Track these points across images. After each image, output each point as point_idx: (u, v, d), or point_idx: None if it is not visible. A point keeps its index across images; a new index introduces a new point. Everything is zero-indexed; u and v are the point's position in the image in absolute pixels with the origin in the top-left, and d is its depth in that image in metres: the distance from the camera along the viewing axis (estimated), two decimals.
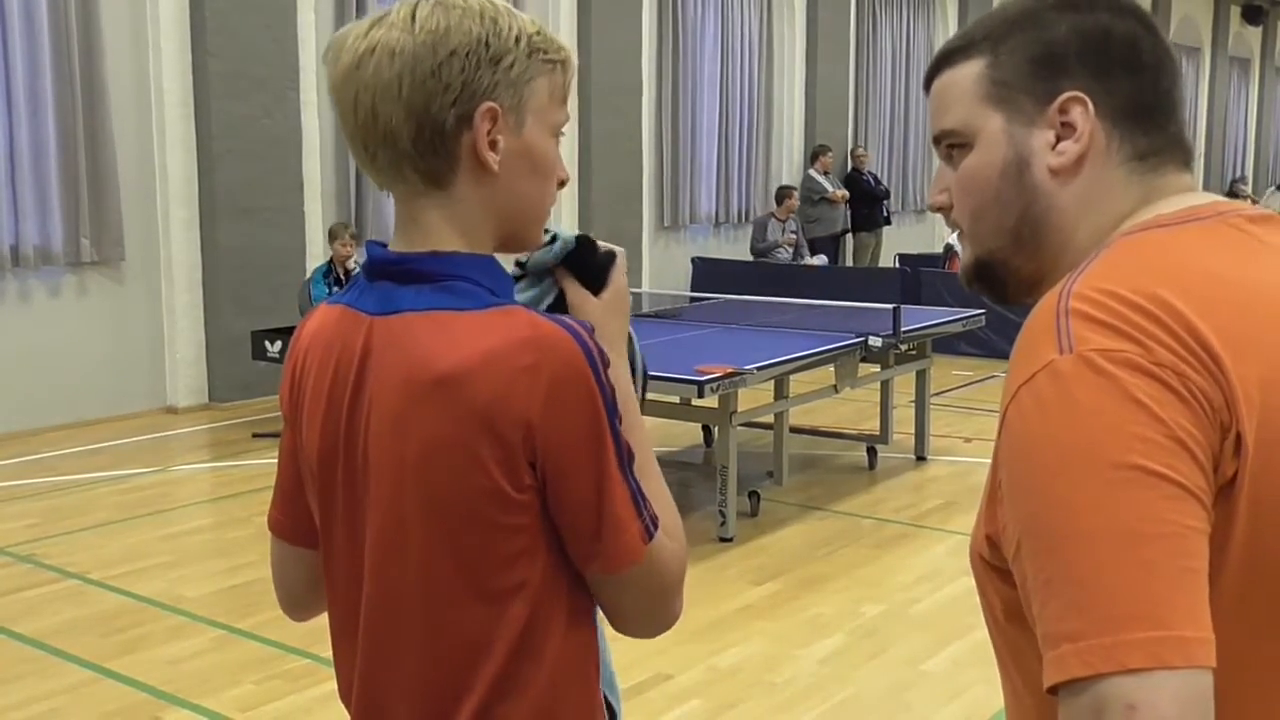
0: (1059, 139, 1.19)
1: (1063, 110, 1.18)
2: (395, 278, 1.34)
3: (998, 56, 1.21)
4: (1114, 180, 1.19)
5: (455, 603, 1.33)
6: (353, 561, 1.40)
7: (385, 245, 1.39)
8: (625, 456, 1.32)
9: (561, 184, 1.41)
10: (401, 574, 1.35)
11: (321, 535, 1.45)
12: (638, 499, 1.33)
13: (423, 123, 1.29)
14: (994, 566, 1.12)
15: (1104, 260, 1.12)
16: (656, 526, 1.35)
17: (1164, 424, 0.99)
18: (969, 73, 1.23)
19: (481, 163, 1.31)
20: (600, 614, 1.44)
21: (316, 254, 9.57)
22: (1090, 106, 1.18)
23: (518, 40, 1.32)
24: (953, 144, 1.26)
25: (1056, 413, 1.02)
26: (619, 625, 1.42)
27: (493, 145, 1.31)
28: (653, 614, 1.42)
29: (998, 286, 1.27)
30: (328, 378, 1.39)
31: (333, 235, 8.59)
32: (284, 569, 1.58)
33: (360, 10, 9.87)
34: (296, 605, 1.61)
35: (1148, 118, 1.20)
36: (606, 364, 1.30)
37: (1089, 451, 1.00)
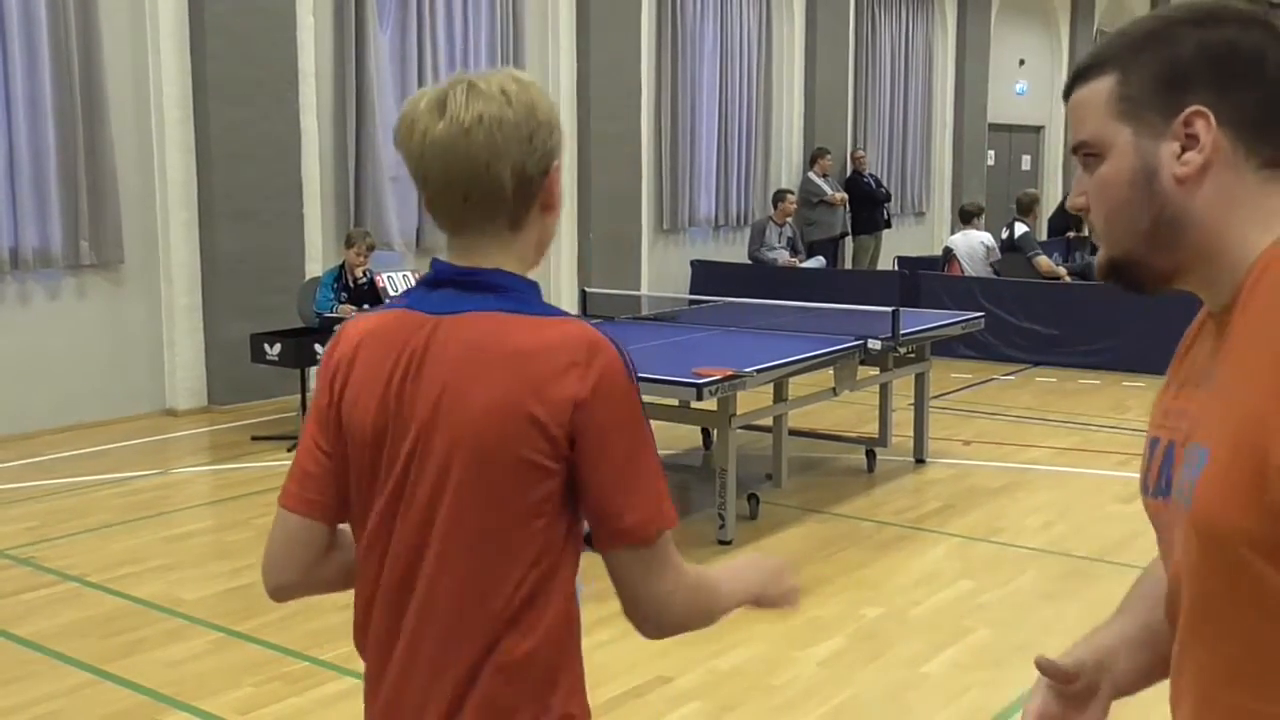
0: (1184, 149, 1.27)
1: (1187, 124, 1.26)
2: (462, 287, 1.63)
3: (1127, 75, 1.30)
4: (1250, 185, 1.27)
5: (494, 552, 1.57)
6: (411, 528, 1.61)
7: (445, 263, 1.67)
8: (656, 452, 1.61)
9: None
10: (448, 528, 1.58)
11: (361, 505, 1.66)
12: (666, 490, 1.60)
13: (521, 178, 1.60)
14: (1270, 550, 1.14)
15: None
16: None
17: None
18: (1101, 89, 1.33)
19: (549, 207, 1.66)
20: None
21: (315, 256, 9.58)
22: (1212, 119, 1.25)
23: (556, 111, 1.66)
24: (1088, 153, 1.35)
25: None
26: (628, 608, 1.61)
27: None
28: (659, 598, 1.60)
29: (1134, 282, 1.36)
30: (386, 366, 1.63)
31: (349, 241, 8.49)
32: (283, 545, 1.72)
33: (359, 14, 9.88)
34: (282, 580, 1.73)
35: (1273, 127, 1.26)
36: (637, 381, 1.61)
37: None
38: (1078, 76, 1.37)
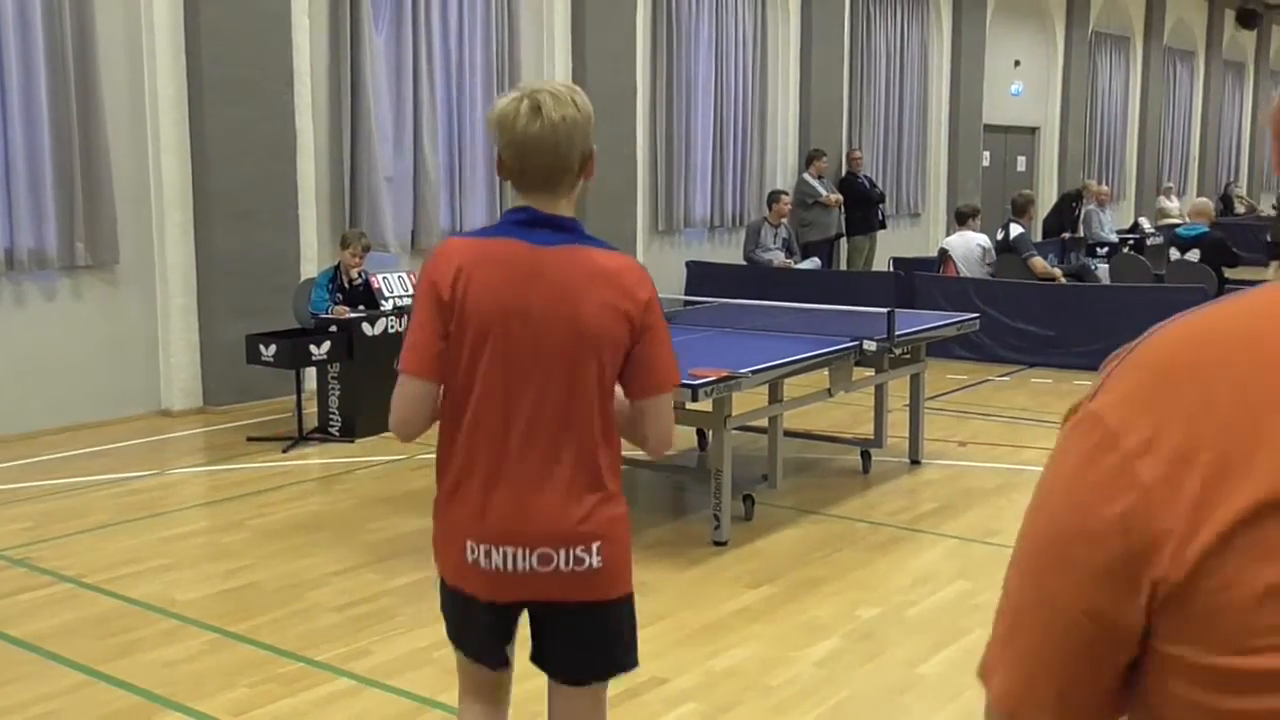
0: None
1: None
2: (554, 228, 2.51)
3: None
4: None
5: (598, 402, 2.50)
6: (527, 375, 2.47)
7: (533, 209, 2.52)
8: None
9: None
10: (574, 386, 2.48)
11: (476, 362, 2.47)
12: None
13: (582, 158, 2.53)
14: None
15: None
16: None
17: None
18: None
19: (590, 175, 2.58)
20: None
21: (311, 257, 9.57)
22: None
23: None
24: None
25: None
26: (649, 436, 2.57)
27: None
28: (668, 428, 2.59)
29: None
30: (505, 273, 2.47)
31: (344, 242, 8.48)
32: (418, 403, 2.51)
33: (354, 15, 9.87)
34: (416, 429, 2.54)
35: None
36: None
37: None
38: None
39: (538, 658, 2.65)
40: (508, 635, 2.65)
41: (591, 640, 2.59)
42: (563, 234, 2.49)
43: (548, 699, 2.70)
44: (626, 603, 2.62)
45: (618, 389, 2.54)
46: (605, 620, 2.58)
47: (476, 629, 2.65)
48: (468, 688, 2.77)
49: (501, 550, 2.49)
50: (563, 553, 2.48)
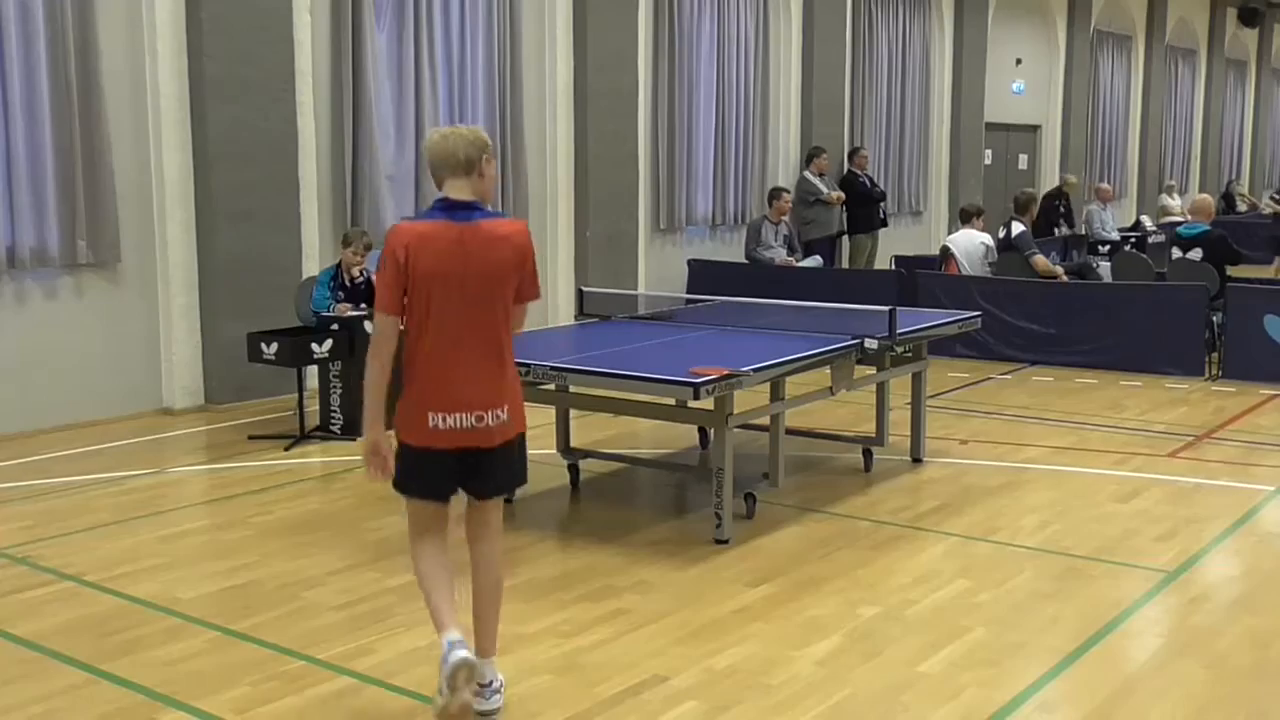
0: None
1: None
2: (468, 209, 3.85)
3: None
4: None
5: (504, 319, 3.94)
6: (461, 309, 3.82)
7: (449, 198, 3.88)
8: None
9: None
10: (491, 312, 3.89)
11: (428, 304, 3.80)
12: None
13: (468, 160, 3.89)
14: None
15: None
16: None
17: None
18: None
19: (482, 175, 3.93)
20: None
21: (312, 255, 9.57)
22: None
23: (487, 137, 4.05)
24: None
25: None
26: (518, 325, 4.04)
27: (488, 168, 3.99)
28: (524, 318, 4.09)
29: None
30: (442, 245, 3.79)
31: (346, 241, 8.47)
32: (388, 330, 3.83)
33: (356, 15, 9.87)
34: (389, 349, 3.82)
35: None
36: None
37: None
38: None
39: (467, 489, 3.97)
40: (456, 476, 3.94)
41: (507, 466, 3.99)
42: (471, 212, 3.86)
43: (465, 517, 4.02)
44: (523, 437, 4.02)
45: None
46: (513, 452, 3.98)
47: (436, 472, 3.91)
48: (420, 529, 3.99)
49: (454, 415, 3.84)
50: (490, 414, 3.88)
